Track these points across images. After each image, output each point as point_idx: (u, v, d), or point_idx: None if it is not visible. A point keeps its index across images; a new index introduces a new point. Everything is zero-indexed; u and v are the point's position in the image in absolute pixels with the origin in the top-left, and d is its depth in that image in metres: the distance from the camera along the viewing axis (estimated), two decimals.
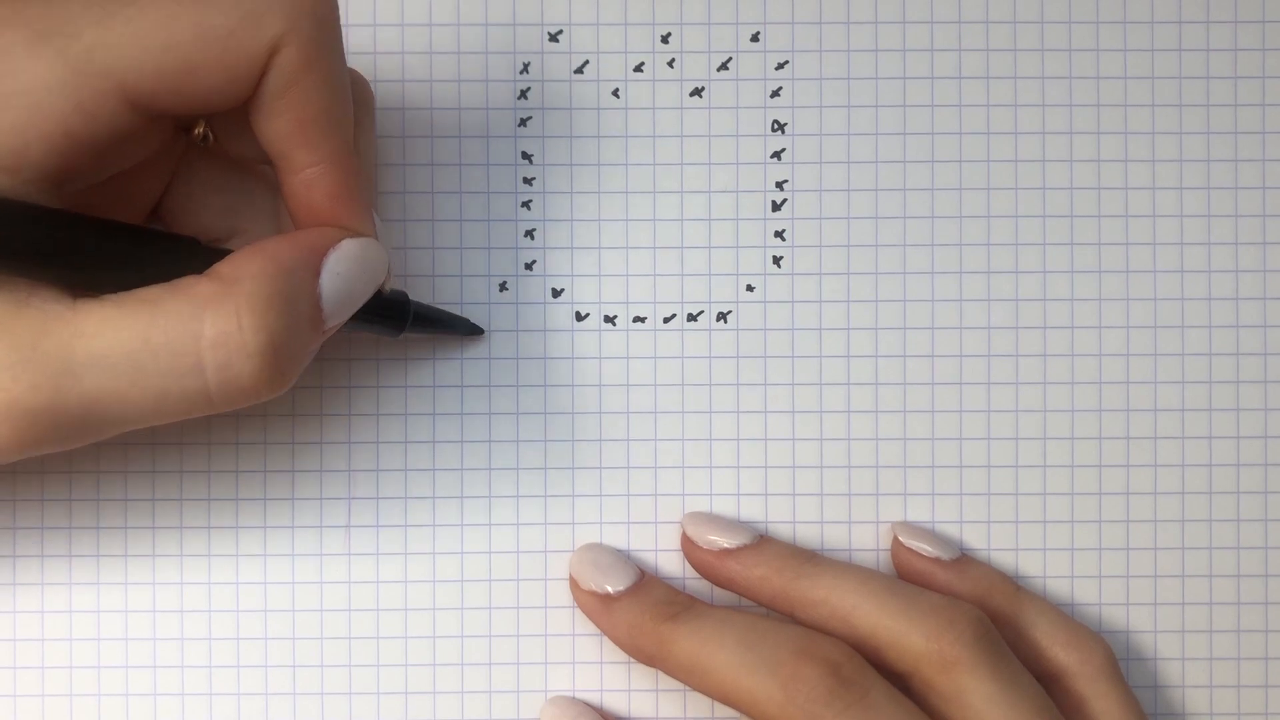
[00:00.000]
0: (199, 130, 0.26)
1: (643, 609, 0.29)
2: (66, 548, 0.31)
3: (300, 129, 0.24)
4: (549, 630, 0.31)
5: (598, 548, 0.31)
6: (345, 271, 0.24)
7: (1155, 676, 0.32)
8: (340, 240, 0.25)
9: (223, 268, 0.23)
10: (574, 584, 0.30)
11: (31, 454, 0.22)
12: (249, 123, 0.24)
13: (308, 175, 0.24)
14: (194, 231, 0.27)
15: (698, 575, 0.30)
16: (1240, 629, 0.32)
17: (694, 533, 0.30)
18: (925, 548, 0.30)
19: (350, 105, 0.25)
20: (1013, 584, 0.30)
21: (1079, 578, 0.31)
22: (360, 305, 0.25)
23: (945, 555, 0.30)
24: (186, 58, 0.22)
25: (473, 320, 0.31)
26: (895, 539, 0.31)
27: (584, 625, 0.31)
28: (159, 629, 0.31)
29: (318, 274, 0.24)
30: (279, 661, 0.31)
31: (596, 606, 0.29)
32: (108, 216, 0.24)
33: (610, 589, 0.29)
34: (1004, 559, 0.31)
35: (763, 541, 0.30)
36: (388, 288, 0.27)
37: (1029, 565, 0.31)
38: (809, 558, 0.29)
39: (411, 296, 0.29)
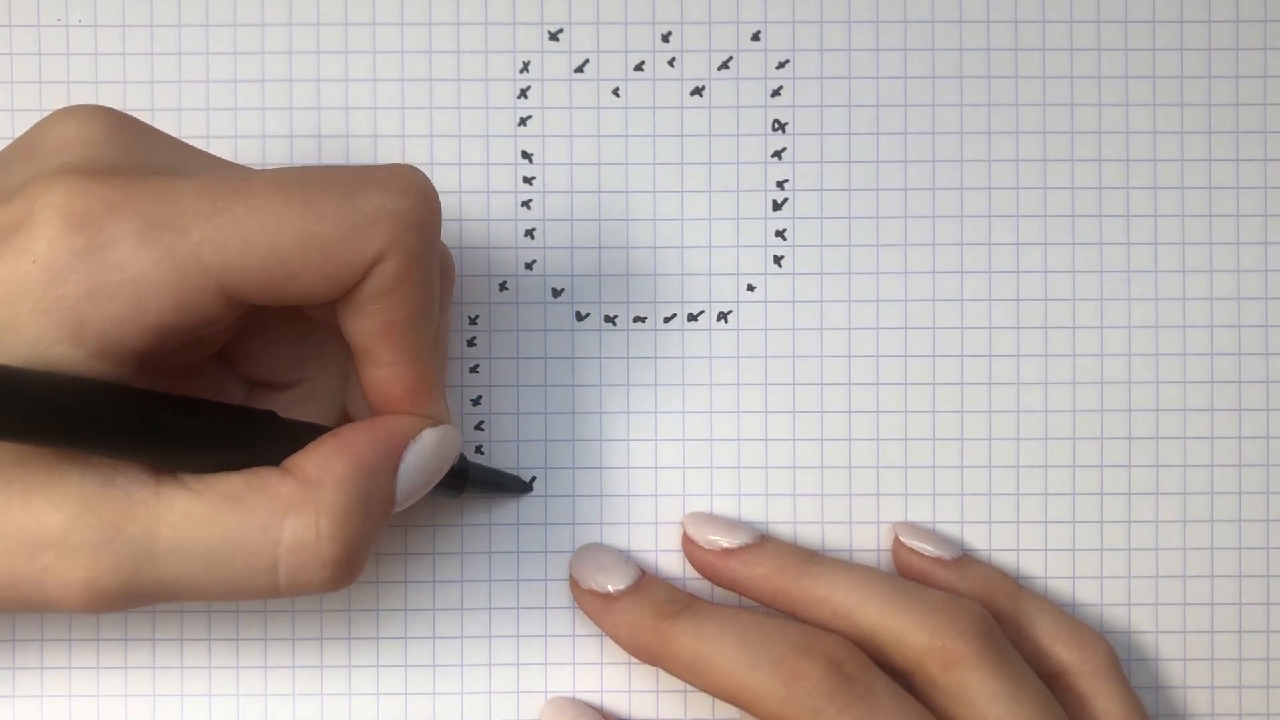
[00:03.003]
0: None
1: (643, 608, 0.29)
2: None
3: (386, 331, 0.24)
4: (549, 631, 0.31)
5: (598, 547, 0.31)
6: (423, 465, 0.24)
7: (1157, 677, 0.31)
8: (420, 431, 0.25)
9: (307, 465, 0.23)
10: (574, 584, 0.30)
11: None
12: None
13: (388, 371, 0.24)
14: (258, 376, 0.27)
15: (698, 575, 0.30)
16: (1242, 629, 0.31)
17: (695, 532, 0.30)
18: (926, 548, 0.30)
19: (437, 304, 0.25)
20: (1014, 583, 0.30)
21: (1080, 578, 0.31)
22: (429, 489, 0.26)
23: (947, 555, 0.30)
24: (288, 263, 0.22)
25: (523, 478, 0.31)
26: (896, 539, 0.31)
27: (584, 626, 0.31)
28: (158, 629, 0.30)
29: (396, 469, 0.24)
30: (278, 663, 0.31)
31: (597, 606, 0.29)
32: (177, 361, 0.24)
33: (611, 588, 0.29)
34: (1005, 559, 0.31)
35: (764, 541, 0.30)
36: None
37: (1030, 566, 0.31)
38: (810, 557, 0.29)
39: None
